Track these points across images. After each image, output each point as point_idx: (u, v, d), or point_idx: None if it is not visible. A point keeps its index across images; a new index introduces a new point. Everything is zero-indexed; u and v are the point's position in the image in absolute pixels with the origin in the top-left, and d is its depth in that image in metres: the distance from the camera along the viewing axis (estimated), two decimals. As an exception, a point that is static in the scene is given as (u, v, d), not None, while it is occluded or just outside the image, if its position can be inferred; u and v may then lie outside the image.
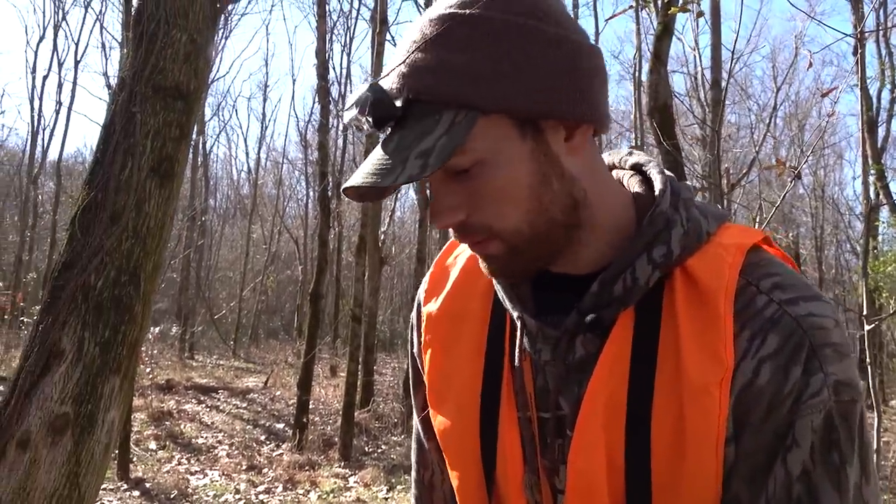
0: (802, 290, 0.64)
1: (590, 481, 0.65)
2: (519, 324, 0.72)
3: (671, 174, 0.73)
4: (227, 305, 20.43)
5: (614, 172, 0.77)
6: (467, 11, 0.62)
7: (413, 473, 0.91)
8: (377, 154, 0.62)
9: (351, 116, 0.64)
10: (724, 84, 6.87)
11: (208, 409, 9.28)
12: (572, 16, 0.78)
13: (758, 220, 5.36)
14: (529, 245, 0.66)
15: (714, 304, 0.63)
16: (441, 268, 0.84)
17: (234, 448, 7.22)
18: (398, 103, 0.62)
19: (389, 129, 0.64)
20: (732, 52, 5.31)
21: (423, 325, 0.83)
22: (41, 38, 19.89)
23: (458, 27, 0.62)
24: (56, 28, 18.44)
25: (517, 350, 0.72)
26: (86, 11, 18.12)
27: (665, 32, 6.89)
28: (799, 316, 0.62)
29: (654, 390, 0.63)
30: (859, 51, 3.91)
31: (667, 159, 6.50)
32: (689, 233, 0.66)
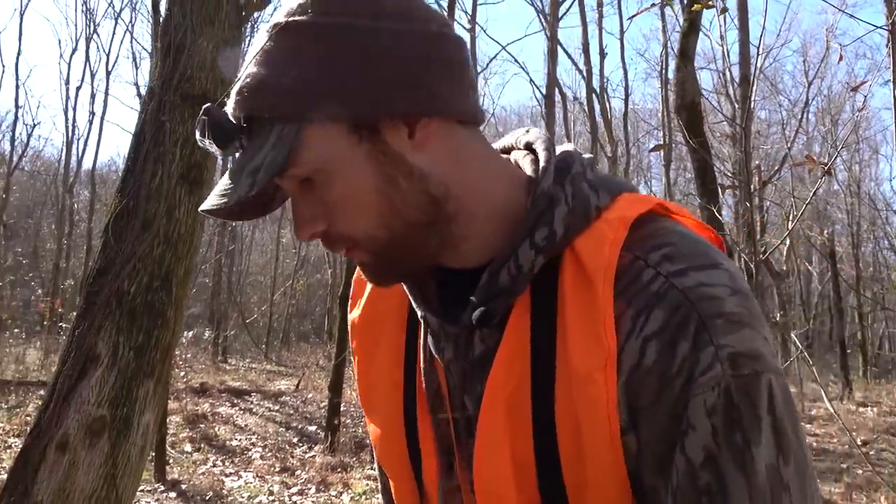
0: (695, 258, 0.59)
1: (495, 484, 0.63)
2: (423, 323, 0.71)
3: (570, 148, 0.69)
4: (258, 310, 20.69)
5: (513, 154, 0.73)
6: (295, 19, 0.61)
7: (379, 483, 0.90)
8: (225, 175, 0.63)
9: (198, 140, 0.63)
10: (752, 80, 6.77)
11: (242, 412, 9.41)
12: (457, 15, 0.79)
13: (791, 217, 5.26)
14: (391, 250, 0.64)
15: (595, 284, 0.59)
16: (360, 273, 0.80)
17: (267, 450, 7.31)
18: (239, 122, 0.62)
19: (240, 148, 0.63)
20: (758, 48, 5.24)
21: (350, 333, 0.82)
22: (74, 51, 20.43)
23: (285, 37, 0.61)
24: (88, 40, 18.87)
25: (422, 351, 0.71)
26: (116, 23, 18.59)
27: (691, 29, 6.83)
28: (686, 287, 0.57)
29: (555, 383, 0.60)
30: (892, 43, 3.83)
31: (695, 157, 6.43)
32: (575, 210, 0.63)
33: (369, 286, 0.79)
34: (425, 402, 0.71)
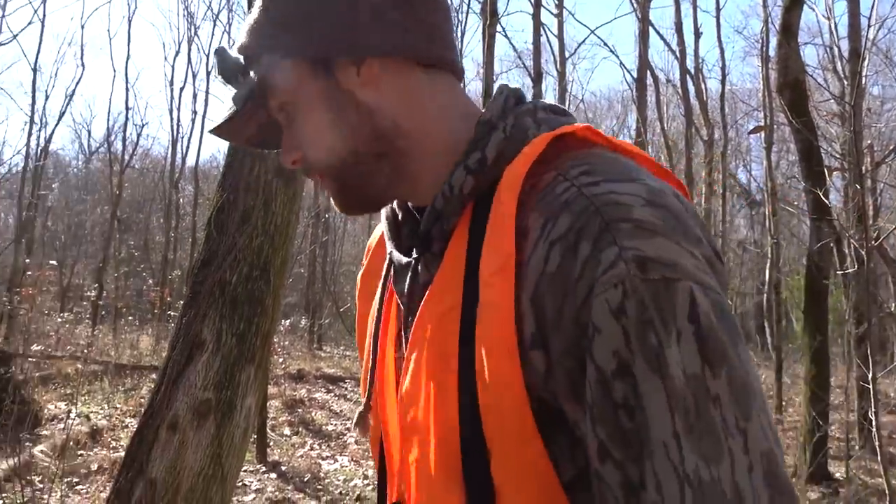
0: (614, 174, 0.57)
1: (414, 412, 0.63)
2: (388, 260, 0.75)
3: (544, 99, 0.71)
4: (350, 299, 21.23)
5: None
6: None
7: None
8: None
9: (214, 77, 0.72)
10: (863, 54, 6.33)
11: (337, 398, 9.70)
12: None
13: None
14: (347, 178, 0.69)
15: (500, 193, 0.60)
16: (377, 231, 0.86)
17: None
18: (241, 60, 0.70)
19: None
20: (870, 19, 4.88)
21: (357, 288, 0.86)
22: (177, 53, 21.49)
23: None
24: (189, 42, 19.88)
25: (387, 288, 0.76)
26: (214, 24, 19.35)
27: (795, 2, 6.45)
28: (594, 194, 0.55)
29: (478, 305, 0.58)
30: None
31: (798, 138, 6.09)
32: (511, 137, 0.64)
33: (373, 240, 0.85)
34: (385, 340, 0.75)
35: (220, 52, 0.71)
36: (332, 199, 0.73)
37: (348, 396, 9.86)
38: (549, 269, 0.55)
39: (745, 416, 0.49)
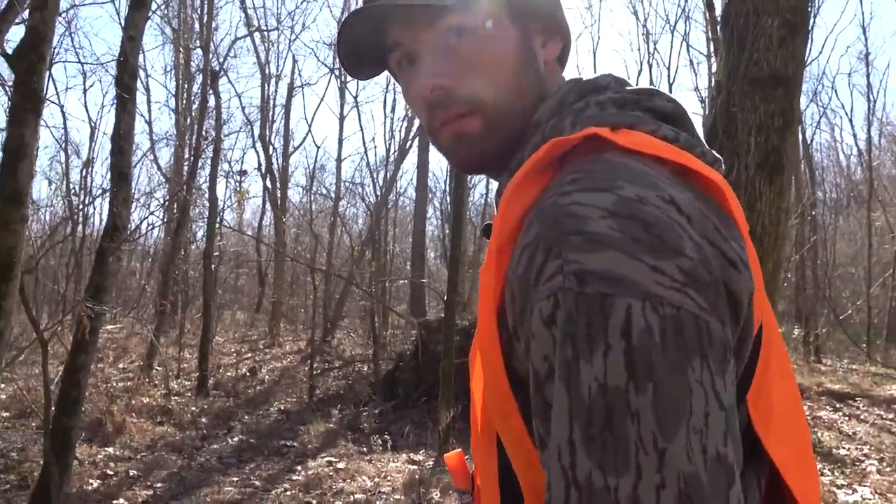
0: (594, 183, 0.56)
1: (474, 395, 0.71)
2: None
3: (611, 81, 0.73)
4: (851, 305, 18.57)
5: None
6: None
7: None
8: None
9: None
10: None
11: (847, 418, 8.50)
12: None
13: None
14: (502, 125, 0.71)
15: (501, 201, 0.64)
16: None
17: (885, 464, 6.39)
18: None
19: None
20: None
21: None
22: (639, 72, 22.17)
23: None
24: (650, 58, 20.29)
25: None
26: (672, 35, 19.38)
27: None
28: (560, 205, 0.56)
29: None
30: None
31: None
32: (546, 139, 0.67)
33: None
34: None
35: None
36: (455, 145, 0.73)
37: (862, 417, 8.54)
38: (518, 272, 0.57)
39: (666, 436, 0.48)
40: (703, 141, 0.71)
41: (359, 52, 0.77)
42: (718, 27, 3.41)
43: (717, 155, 0.72)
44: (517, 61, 0.72)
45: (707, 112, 3.09)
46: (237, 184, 17.02)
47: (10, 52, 3.80)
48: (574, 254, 0.53)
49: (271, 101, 18.05)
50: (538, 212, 0.58)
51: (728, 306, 0.55)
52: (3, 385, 8.01)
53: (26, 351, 7.49)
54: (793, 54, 2.78)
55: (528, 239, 0.57)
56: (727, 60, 2.90)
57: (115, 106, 5.21)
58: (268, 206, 18.09)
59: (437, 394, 6.37)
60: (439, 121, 0.73)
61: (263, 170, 16.62)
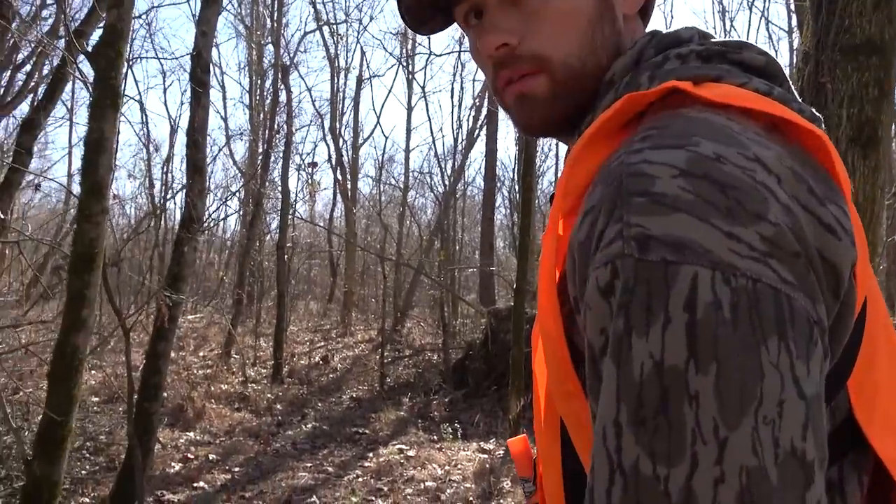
0: (669, 139, 0.51)
1: (536, 375, 0.67)
2: None
3: (705, 40, 0.66)
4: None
5: None
6: None
7: None
8: None
9: None
10: None
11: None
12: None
13: None
14: (571, 85, 0.66)
15: (566, 162, 0.61)
16: None
17: None
18: None
19: None
20: None
21: None
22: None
23: None
24: (727, 36, 19.53)
25: None
26: (750, 11, 18.55)
27: None
28: (628, 163, 0.50)
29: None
30: None
31: None
32: (620, 98, 0.60)
33: None
34: None
35: None
36: (521, 106, 0.68)
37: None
38: (580, 237, 0.53)
39: (729, 424, 0.42)
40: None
41: (423, 4, 0.72)
42: (803, -4, 3.19)
43: (817, 114, 0.63)
44: (591, 14, 0.66)
45: (795, 83, 2.91)
46: (309, 176, 17.36)
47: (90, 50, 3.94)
48: (637, 217, 0.47)
49: (340, 94, 18.30)
50: (604, 172, 0.53)
51: (825, 279, 0.49)
52: (92, 371, 8.42)
53: (114, 339, 7.85)
54: (889, 18, 2.56)
55: (592, 202, 0.52)
56: (815, 28, 2.71)
57: (190, 101, 5.36)
58: (338, 197, 18.40)
59: (508, 382, 6.31)
60: (504, 80, 0.68)
61: (334, 162, 16.89)
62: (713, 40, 0.65)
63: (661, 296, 0.45)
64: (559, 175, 0.69)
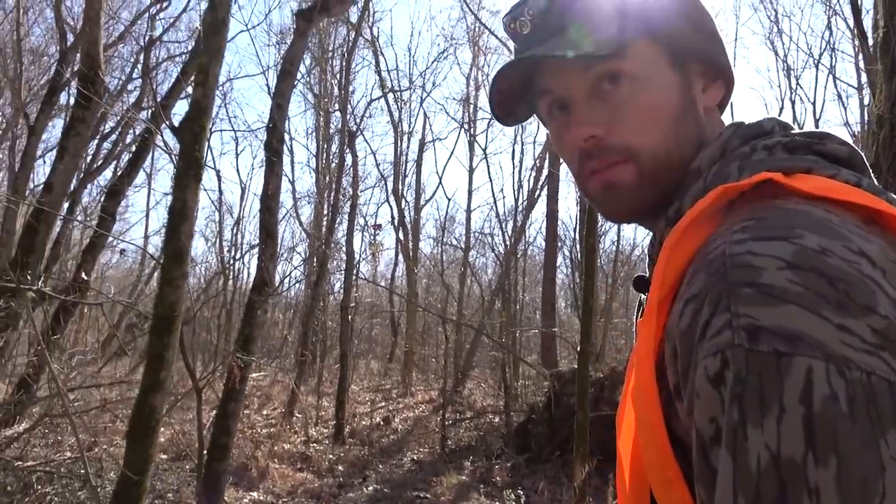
0: (771, 231, 0.52)
1: (621, 456, 0.67)
2: None
3: (787, 131, 0.68)
4: None
5: None
6: None
7: None
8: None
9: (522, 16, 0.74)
10: None
11: None
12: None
13: None
14: (657, 175, 0.68)
15: (665, 243, 0.60)
16: None
17: None
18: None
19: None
20: None
21: None
22: (781, 109, 21.06)
23: None
24: (792, 94, 19.26)
25: None
26: (817, 69, 18.30)
27: None
28: (732, 254, 0.51)
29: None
30: None
31: None
32: (708, 187, 0.64)
33: None
34: None
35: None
36: (607, 193, 0.71)
37: None
38: (682, 326, 0.53)
39: None
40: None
41: (510, 99, 0.77)
42: (875, 52, 3.17)
43: None
44: (675, 108, 0.70)
45: (865, 149, 2.85)
46: (372, 237, 17.71)
47: (175, 124, 4.20)
48: (746, 307, 0.48)
49: (403, 157, 18.75)
50: (705, 262, 0.54)
51: None
52: (161, 429, 8.62)
53: (182, 396, 8.04)
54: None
55: (694, 290, 0.53)
56: (889, 92, 2.68)
57: (263, 168, 5.61)
58: (400, 257, 18.63)
59: (572, 448, 6.15)
60: (589, 169, 0.71)
61: (396, 223, 17.18)
62: (794, 131, 0.67)
63: (775, 387, 0.45)
64: (649, 246, 0.74)
